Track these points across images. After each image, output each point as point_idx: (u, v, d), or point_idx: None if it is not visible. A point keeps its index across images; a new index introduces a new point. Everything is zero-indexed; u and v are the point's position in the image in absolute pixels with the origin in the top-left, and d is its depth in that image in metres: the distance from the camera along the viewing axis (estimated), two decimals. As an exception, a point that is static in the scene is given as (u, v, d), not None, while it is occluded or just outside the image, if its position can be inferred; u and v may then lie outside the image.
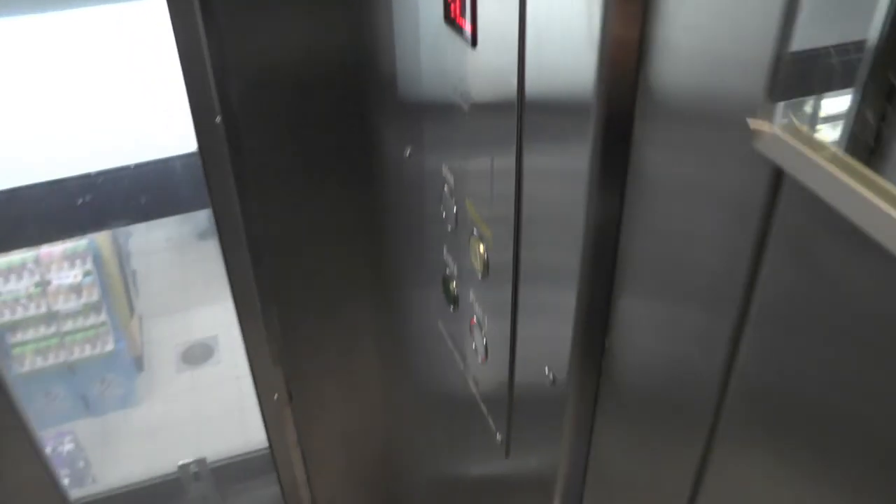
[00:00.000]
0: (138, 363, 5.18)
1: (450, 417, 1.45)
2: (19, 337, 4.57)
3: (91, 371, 4.77)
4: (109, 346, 4.73)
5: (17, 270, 4.45)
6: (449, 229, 1.12)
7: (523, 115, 0.80)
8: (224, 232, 1.67)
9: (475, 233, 1.02)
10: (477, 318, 1.09)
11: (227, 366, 5.14)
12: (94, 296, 4.65)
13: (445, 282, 1.20)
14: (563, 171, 0.75)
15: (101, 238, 4.70)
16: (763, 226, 0.54)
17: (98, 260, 4.65)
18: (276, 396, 2.00)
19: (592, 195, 0.71)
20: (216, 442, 4.05)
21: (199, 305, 5.48)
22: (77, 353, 4.75)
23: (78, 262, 4.57)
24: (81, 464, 4.45)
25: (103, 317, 4.79)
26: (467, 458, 1.39)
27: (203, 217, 5.32)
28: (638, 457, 0.80)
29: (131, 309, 5.17)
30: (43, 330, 4.62)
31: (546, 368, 0.88)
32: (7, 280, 4.46)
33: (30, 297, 4.50)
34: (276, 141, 1.59)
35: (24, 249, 4.36)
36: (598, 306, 0.78)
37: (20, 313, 4.52)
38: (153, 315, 5.50)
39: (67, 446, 4.45)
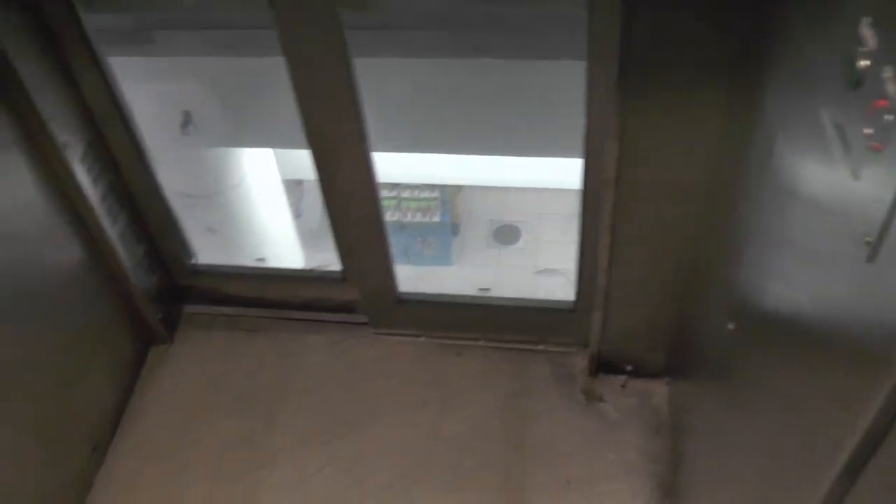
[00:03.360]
0: (454, 229, 5.66)
1: (801, 218, 1.32)
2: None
3: (416, 231, 5.46)
4: (436, 218, 5.49)
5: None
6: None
7: None
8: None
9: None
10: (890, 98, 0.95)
11: (528, 254, 5.35)
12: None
13: (848, 61, 1.06)
14: None
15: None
16: None
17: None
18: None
19: None
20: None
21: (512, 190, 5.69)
22: (409, 217, 5.52)
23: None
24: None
25: (436, 193, 5.51)
26: (811, 265, 1.27)
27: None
28: None
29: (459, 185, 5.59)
30: (385, 193, 5.16)
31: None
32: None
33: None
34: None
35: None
36: None
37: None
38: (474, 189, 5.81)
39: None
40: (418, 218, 5.50)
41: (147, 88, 2.74)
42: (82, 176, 2.41)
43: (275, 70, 2.24)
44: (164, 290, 2.96)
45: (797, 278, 1.38)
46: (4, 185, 2.21)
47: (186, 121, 2.95)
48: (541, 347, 2.83)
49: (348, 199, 2.48)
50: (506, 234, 5.68)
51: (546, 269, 2.70)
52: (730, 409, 1.84)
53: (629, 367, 2.72)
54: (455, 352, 2.86)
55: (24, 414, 2.31)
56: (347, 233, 2.60)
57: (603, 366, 2.73)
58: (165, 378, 2.91)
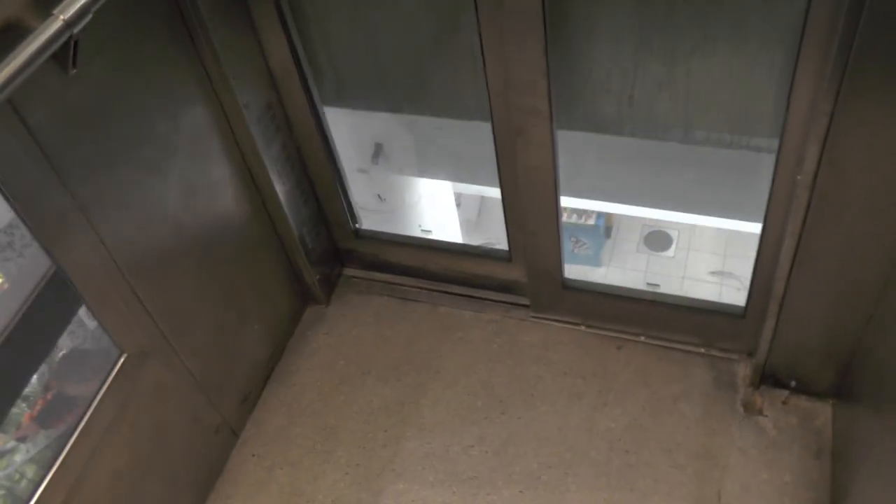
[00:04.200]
0: (608, 231, 5.61)
1: None
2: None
3: (570, 230, 5.46)
4: (591, 221, 5.47)
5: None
6: None
7: None
8: None
9: None
10: None
11: (678, 264, 5.23)
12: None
13: None
14: None
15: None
16: None
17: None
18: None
19: None
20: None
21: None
22: (565, 218, 5.35)
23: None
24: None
25: (594, 195, 5.35)
26: None
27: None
28: None
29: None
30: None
31: None
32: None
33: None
34: None
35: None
36: None
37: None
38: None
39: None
40: (574, 219, 5.49)
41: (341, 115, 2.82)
42: (258, 135, 2.48)
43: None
44: (325, 252, 3.01)
45: None
46: (191, 137, 2.29)
47: (378, 152, 3.04)
48: (704, 351, 2.72)
49: (527, 174, 2.45)
50: (657, 241, 5.58)
51: (720, 272, 2.60)
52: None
53: (793, 383, 2.60)
54: (616, 345, 2.78)
55: (184, 359, 2.39)
56: (520, 211, 2.58)
57: (768, 378, 2.61)
58: (320, 339, 2.96)
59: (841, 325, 2.33)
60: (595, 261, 5.50)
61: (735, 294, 2.58)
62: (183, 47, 2.20)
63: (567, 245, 5.47)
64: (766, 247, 2.33)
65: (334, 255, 3.08)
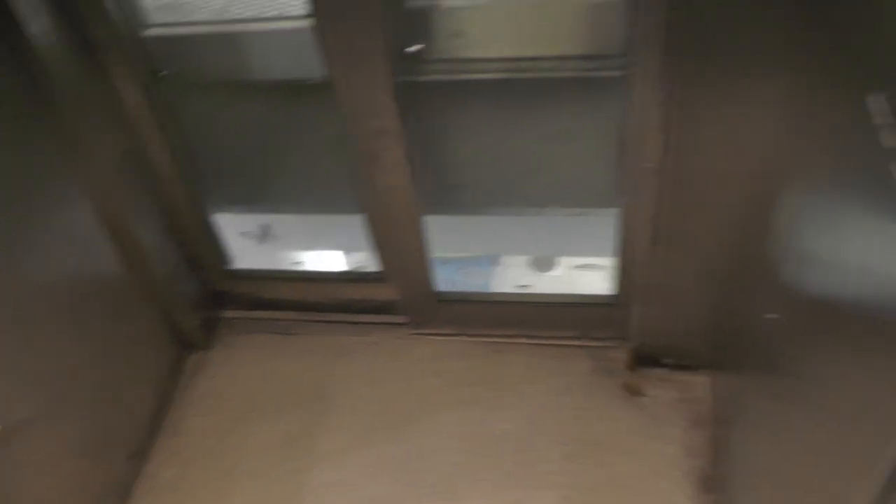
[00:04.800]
0: (494, 260, 5.71)
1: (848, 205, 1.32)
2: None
3: (459, 263, 5.48)
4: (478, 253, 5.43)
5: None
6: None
7: None
8: None
9: None
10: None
11: (565, 281, 5.37)
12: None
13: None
14: None
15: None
16: None
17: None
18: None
19: None
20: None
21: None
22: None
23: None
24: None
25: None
26: (859, 252, 1.27)
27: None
28: None
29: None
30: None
31: None
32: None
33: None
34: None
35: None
36: None
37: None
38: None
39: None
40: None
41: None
42: (120, 184, 2.44)
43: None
44: (202, 297, 2.98)
45: (845, 258, 1.38)
46: (48, 194, 2.24)
47: (265, 232, 3.02)
48: (581, 343, 2.84)
49: (387, 194, 2.50)
50: (543, 263, 5.71)
51: (586, 265, 2.71)
52: (775, 399, 1.84)
53: (669, 360, 2.73)
54: (496, 350, 2.87)
55: (62, 425, 2.31)
56: (384, 231, 2.63)
57: (644, 359, 2.74)
58: (205, 384, 2.92)
59: (703, 301, 2.48)
60: (486, 288, 5.59)
61: (604, 284, 2.69)
62: (39, 102, 2.16)
63: (456, 276, 5.54)
64: (627, 234, 2.44)
65: (212, 298, 3.05)
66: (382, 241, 2.66)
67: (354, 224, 2.71)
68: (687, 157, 2.08)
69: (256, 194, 2.84)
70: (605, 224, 2.52)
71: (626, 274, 2.56)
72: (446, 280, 4.78)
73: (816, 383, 1.52)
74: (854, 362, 1.29)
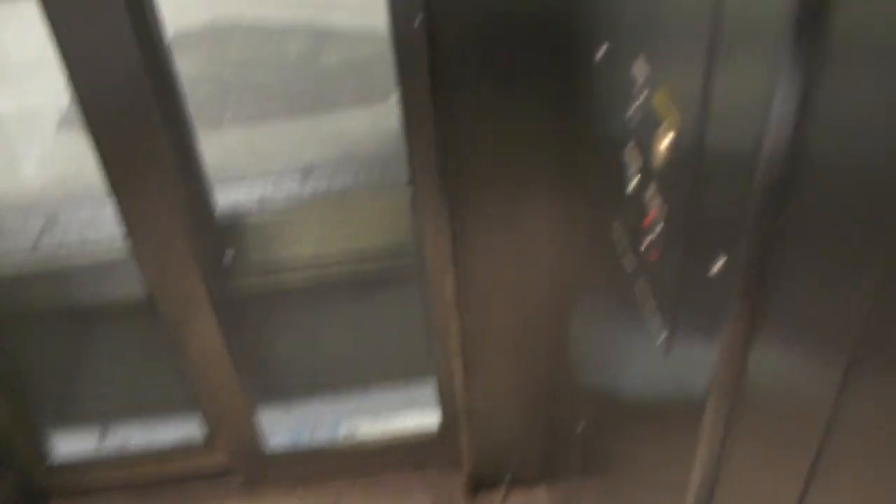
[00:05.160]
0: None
1: (614, 320, 1.49)
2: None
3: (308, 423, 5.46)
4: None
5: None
6: (633, 125, 1.21)
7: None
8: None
9: (663, 124, 1.09)
10: (654, 214, 1.16)
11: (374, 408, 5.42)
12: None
13: (622, 180, 1.27)
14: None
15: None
16: None
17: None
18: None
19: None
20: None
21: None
22: None
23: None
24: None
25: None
26: (626, 360, 1.44)
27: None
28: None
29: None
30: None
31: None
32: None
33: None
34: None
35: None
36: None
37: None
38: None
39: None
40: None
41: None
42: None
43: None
44: (21, 498, 2.83)
45: (621, 364, 1.55)
46: None
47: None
48: (419, 474, 2.88)
49: (202, 359, 2.52)
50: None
51: (408, 402, 2.80)
52: (610, 498, 1.95)
53: (508, 478, 2.81)
54: (334, 497, 2.87)
55: None
56: (207, 395, 2.62)
57: (481, 484, 2.80)
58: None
59: (525, 416, 2.60)
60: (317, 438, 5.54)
61: (431, 417, 2.78)
62: None
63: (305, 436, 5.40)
64: (442, 368, 2.55)
65: (33, 496, 2.89)
66: (205, 404, 2.65)
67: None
68: (482, 284, 2.23)
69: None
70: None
71: (447, 405, 2.66)
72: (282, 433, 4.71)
73: (629, 476, 1.65)
74: (650, 450, 1.44)
